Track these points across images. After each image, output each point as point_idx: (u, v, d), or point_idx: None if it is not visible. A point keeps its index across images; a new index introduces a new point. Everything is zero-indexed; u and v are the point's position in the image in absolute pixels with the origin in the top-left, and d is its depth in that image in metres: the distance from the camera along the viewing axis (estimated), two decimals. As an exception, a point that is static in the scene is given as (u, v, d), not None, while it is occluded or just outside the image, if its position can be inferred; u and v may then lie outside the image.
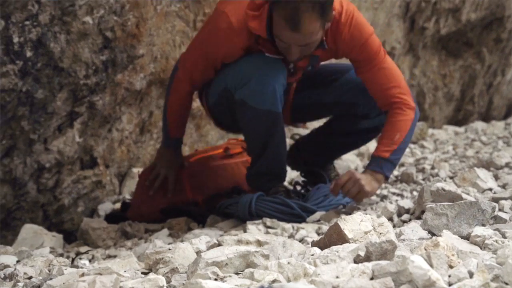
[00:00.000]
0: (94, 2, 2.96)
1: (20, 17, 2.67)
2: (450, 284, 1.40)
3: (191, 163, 3.32)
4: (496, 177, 2.80)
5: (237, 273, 1.73)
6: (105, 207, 3.51)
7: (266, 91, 2.79)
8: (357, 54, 2.90)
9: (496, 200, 2.24)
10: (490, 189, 2.58)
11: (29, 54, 2.77)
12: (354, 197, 2.88)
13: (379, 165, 2.88)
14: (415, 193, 3.03)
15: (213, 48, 2.89)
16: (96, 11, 3.00)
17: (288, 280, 1.54)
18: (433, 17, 5.95)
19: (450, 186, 2.31)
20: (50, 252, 2.74)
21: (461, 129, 5.35)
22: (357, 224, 1.86)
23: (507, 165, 3.17)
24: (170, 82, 3.11)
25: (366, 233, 1.84)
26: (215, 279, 1.65)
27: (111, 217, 3.29)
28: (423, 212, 2.31)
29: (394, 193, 3.23)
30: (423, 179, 3.41)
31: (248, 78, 2.80)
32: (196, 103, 3.73)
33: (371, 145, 4.60)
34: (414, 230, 1.93)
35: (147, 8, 3.29)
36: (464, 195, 2.24)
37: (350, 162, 4.11)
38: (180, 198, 3.22)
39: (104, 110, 3.33)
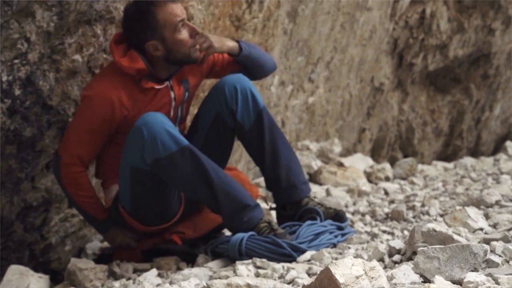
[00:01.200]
0: (83, 41, 2.96)
1: (9, 55, 2.66)
2: (443, 334, 1.38)
3: None
4: (487, 216, 2.80)
5: (227, 320, 1.70)
6: (93, 246, 3.47)
7: (162, 136, 2.80)
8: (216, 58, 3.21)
9: (487, 241, 2.23)
10: (481, 229, 2.57)
11: (17, 92, 2.76)
12: (204, 49, 3.03)
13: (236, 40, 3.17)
14: (406, 232, 3.02)
15: (96, 117, 2.89)
16: (86, 49, 3.00)
17: (279, 328, 1.51)
18: (421, 53, 6.01)
19: (441, 227, 2.30)
20: (36, 294, 2.69)
21: (450, 165, 5.35)
22: (348, 268, 1.84)
23: (497, 203, 3.17)
24: (58, 176, 2.97)
25: (357, 277, 1.82)
26: (205, 327, 1.62)
27: (101, 258, 3.25)
28: (414, 253, 2.29)
29: (384, 231, 3.22)
30: (414, 217, 3.39)
31: (141, 141, 2.81)
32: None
33: (361, 181, 4.60)
34: (405, 273, 1.91)
35: (137, 46, 3.29)
36: (455, 236, 2.23)
37: (340, 198, 4.10)
38: (159, 239, 3.16)
39: (92, 147, 3.31)
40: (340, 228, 3.11)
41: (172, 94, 3.04)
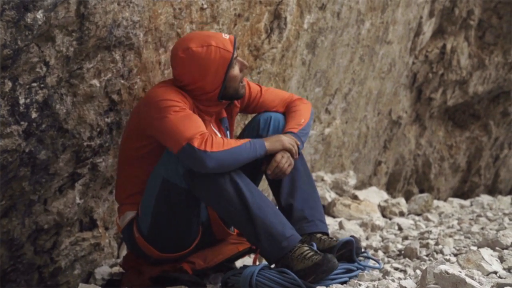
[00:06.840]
0: (102, 66, 2.98)
1: (27, 78, 2.68)
2: None
3: None
4: (501, 259, 2.75)
5: None
6: (102, 271, 3.45)
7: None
8: (250, 95, 3.23)
9: (501, 286, 2.19)
10: (495, 272, 2.53)
11: (34, 115, 2.77)
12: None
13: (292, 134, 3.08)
14: (418, 271, 2.97)
15: (183, 104, 2.90)
16: (104, 74, 3.02)
17: None
18: (440, 88, 5.98)
19: (453, 269, 2.27)
20: (42, 320, 2.67)
21: (466, 203, 5.28)
22: (357, 310, 1.80)
23: (512, 245, 3.11)
24: (204, 158, 2.73)
25: (366, 319, 1.79)
26: None
27: (109, 283, 3.23)
28: (425, 294, 2.26)
29: (396, 269, 3.16)
30: (427, 255, 3.34)
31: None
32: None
33: (375, 216, 4.55)
34: (416, 317, 1.87)
35: (154, 72, 3.30)
36: (468, 280, 2.19)
37: (353, 232, 4.06)
38: (168, 267, 3.13)
39: (106, 171, 3.31)
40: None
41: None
